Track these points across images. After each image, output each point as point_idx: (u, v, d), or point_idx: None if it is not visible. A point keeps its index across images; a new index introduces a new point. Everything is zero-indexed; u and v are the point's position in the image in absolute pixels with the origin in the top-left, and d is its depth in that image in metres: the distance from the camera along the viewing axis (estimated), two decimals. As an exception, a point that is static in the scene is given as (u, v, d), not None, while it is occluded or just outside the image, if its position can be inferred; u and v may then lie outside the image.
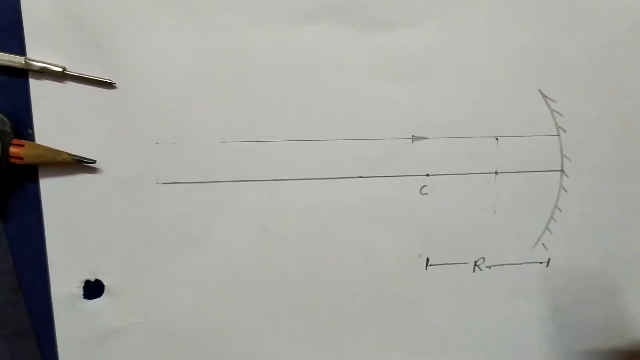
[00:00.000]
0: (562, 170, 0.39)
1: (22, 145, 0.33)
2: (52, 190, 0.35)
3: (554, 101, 0.38)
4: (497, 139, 0.38)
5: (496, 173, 0.38)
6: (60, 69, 0.33)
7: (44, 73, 0.33)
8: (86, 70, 0.34)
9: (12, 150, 0.33)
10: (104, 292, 0.36)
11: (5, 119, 0.33)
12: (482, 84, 0.37)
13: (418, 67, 0.36)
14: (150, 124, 0.35)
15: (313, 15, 0.35)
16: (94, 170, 0.35)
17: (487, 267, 0.39)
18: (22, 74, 0.34)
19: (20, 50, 0.33)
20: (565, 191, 0.39)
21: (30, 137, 0.34)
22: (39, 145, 0.34)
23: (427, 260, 0.39)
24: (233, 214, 0.36)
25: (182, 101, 0.35)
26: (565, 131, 0.38)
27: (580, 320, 0.41)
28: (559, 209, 0.39)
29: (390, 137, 0.37)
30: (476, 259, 0.39)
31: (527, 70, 0.38)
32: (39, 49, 0.33)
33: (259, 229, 0.37)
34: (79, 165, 0.34)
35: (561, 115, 0.38)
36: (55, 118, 0.34)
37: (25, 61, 0.33)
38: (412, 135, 0.37)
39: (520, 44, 0.37)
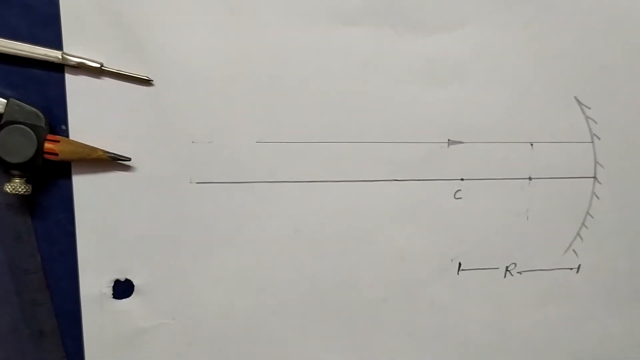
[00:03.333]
0: (594, 177, 0.39)
1: (58, 141, 0.32)
2: (85, 187, 0.34)
3: (589, 108, 0.38)
4: (531, 144, 0.38)
5: (530, 179, 0.38)
6: (98, 65, 0.33)
7: (81, 68, 0.33)
8: (123, 66, 0.33)
9: (47, 146, 0.32)
10: (134, 292, 0.36)
11: (41, 114, 0.32)
12: (518, 90, 0.37)
13: (456, 71, 0.36)
14: (186, 122, 0.34)
15: (353, 16, 0.35)
16: (127, 168, 0.34)
17: (518, 272, 0.39)
18: (58, 69, 0.33)
19: (58, 44, 0.33)
20: (598, 198, 0.39)
21: (64, 133, 0.34)
22: (73, 141, 0.33)
23: (459, 265, 0.39)
24: (266, 215, 0.36)
25: (219, 100, 0.34)
26: (599, 138, 0.39)
27: (608, 326, 0.41)
28: (591, 215, 0.39)
29: (427, 141, 0.37)
30: (507, 265, 0.39)
31: (563, 76, 0.38)
32: (76, 44, 0.33)
33: (292, 231, 0.37)
34: (113, 162, 0.34)
35: (595, 122, 0.38)
36: (91, 114, 0.33)
37: (62, 56, 0.32)
38: (448, 140, 0.37)
39: (558, 50, 0.37)
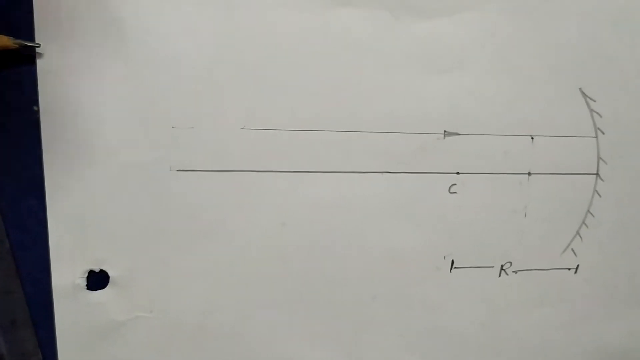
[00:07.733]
0: (597, 174, 0.37)
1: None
2: (56, 172, 0.32)
3: (594, 101, 0.36)
4: (532, 138, 0.36)
5: (529, 174, 0.36)
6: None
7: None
8: (100, 47, 0.31)
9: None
10: (109, 284, 0.34)
11: None
12: (520, 80, 0.35)
13: (454, 58, 0.34)
14: (167, 106, 0.32)
15: (348, -4, 0.33)
16: (103, 153, 0.32)
17: (513, 271, 0.38)
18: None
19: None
20: (599, 196, 0.37)
21: (36, 114, 0.32)
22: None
23: (452, 262, 0.37)
24: (251, 206, 0.34)
25: (202, 83, 0.32)
26: (603, 133, 0.37)
27: (606, 331, 0.39)
28: (592, 214, 0.38)
29: (421, 132, 0.35)
30: (503, 263, 0.37)
31: (568, 67, 0.36)
32: (49, 19, 0.31)
33: (278, 223, 0.35)
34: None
35: (600, 116, 0.36)
36: (62, 94, 0.31)
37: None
38: (444, 131, 0.35)
39: (563, 39, 0.35)
